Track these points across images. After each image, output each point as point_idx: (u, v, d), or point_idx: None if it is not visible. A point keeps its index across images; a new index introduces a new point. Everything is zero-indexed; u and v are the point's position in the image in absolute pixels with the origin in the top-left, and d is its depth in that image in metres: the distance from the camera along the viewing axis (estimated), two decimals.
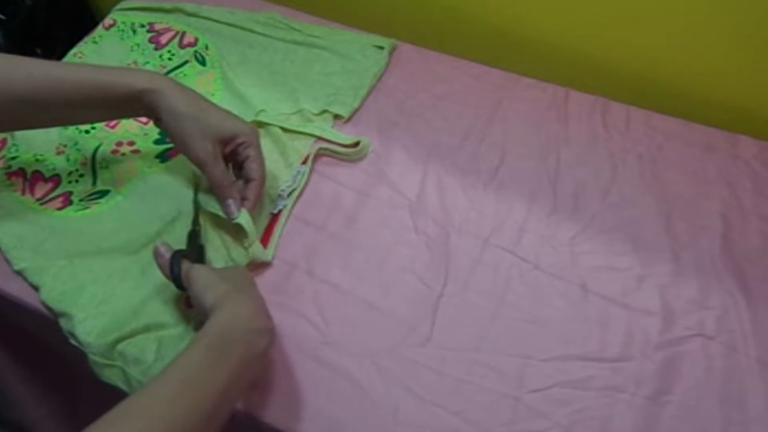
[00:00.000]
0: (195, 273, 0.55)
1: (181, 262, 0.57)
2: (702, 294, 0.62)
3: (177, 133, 0.61)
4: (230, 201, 0.62)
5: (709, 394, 0.56)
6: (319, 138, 0.74)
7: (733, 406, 0.55)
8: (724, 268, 0.64)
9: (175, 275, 0.56)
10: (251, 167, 0.63)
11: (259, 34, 0.85)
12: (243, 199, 0.64)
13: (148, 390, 0.45)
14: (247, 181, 0.64)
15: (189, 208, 0.66)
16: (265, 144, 0.73)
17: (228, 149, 0.63)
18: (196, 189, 0.68)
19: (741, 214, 0.68)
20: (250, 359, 0.50)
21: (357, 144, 0.72)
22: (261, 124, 0.74)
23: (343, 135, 0.73)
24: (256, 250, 0.63)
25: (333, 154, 0.73)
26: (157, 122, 0.63)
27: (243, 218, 0.62)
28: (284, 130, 0.73)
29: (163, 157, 0.72)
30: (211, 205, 0.64)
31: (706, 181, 0.71)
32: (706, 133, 0.75)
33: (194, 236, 0.63)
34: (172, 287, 0.57)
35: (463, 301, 0.62)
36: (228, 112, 0.64)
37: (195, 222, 0.65)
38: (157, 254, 0.58)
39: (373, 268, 0.64)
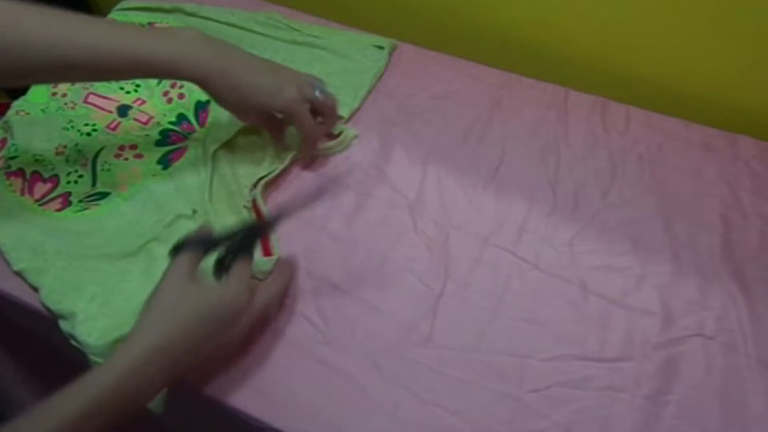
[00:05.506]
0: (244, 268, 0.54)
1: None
2: (702, 294, 0.62)
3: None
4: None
5: (709, 394, 0.56)
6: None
7: (733, 406, 0.55)
8: (723, 268, 0.64)
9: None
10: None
11: (259, 34, 0.85)
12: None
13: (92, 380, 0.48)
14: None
15: (188, 212, 0.66)
16: (261, 144, 0.73)
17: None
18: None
19: (741, 214, 0.68)
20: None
21: (340, 134, 0.73)
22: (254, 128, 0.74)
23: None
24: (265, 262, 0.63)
25: (325, 152, 0.73)
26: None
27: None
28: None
29: (164, 162, 0.72)
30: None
31: (706, 181, 0.71)
32: (705, 134, 0.75)
33: (255, 230, 0.58)
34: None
35: (463, 300, 0.62)
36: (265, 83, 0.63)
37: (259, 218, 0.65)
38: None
39: (373, 268, 0.64)
